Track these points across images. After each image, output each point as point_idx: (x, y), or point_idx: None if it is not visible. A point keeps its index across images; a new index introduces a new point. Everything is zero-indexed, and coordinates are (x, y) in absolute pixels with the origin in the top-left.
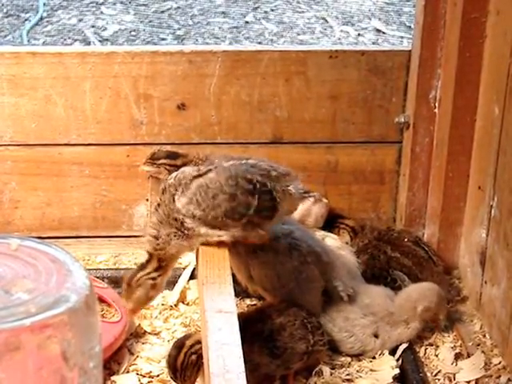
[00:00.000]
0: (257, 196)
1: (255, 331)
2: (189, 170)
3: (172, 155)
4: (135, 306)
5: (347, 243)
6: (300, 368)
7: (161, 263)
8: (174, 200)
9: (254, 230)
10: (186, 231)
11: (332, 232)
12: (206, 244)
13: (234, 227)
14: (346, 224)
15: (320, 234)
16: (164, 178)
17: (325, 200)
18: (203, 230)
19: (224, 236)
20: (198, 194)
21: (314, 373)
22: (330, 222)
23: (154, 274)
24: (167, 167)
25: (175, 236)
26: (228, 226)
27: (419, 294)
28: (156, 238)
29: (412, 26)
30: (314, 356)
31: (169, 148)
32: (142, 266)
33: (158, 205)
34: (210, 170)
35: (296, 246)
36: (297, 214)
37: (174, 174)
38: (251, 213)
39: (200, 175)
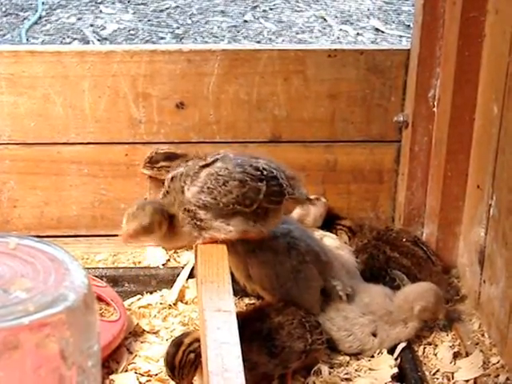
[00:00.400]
0: (265, 181)
1: (253, 330)
2: (194, 162)
3: (171, 156)
4: (134, 232)
5: (346, 243)
6: (298, 367)
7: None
8: (183, 191)
9: (257, 222)
10: (198, 222)
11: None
12: (205, 243)
13: (244, 215)
14: (343, 224)
15: (318, 233)
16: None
17: (324, 199)
18: (215, 223)
19: (233, 231)
20: (209, 182)
21: (312, 372)
22: (328, 223)
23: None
24: (167, 169)
25: (188, 223)
26: (238, 215)
27: (417, 294)
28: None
29: (411, 25)
30: (313, 355)
31: (166, 148)
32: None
33: (167, 192)
34: (216, 160)
35: (295, 245)
36: (295, 214)
37: (184, 164)
38: (261, 197)
39: (207, 165)
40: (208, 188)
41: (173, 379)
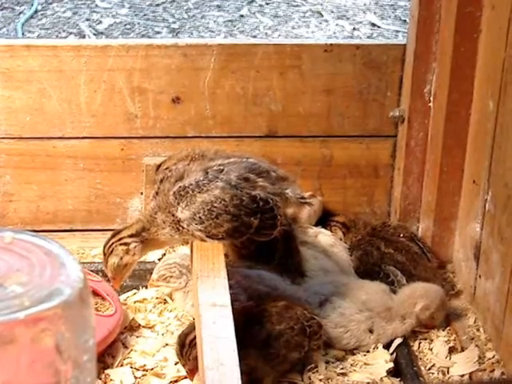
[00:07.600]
0: (259, 214)
1: (251, 335)
2: (194, 176)
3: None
4: (112, 274)
5: (340, 239)
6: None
7: (142, 233)
8: (175, 204)
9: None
10: (180, 228)
11: None
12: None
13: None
14: (337, 221)
15: (313, 230)
16: (162, 169)
17: (319, 197)
18: (198, 233)
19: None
20: (202, 213)
21: (308, 367)
22: (322, 220)
23: (128, 240)
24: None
25: (170, 226)
26: (226, 240)
27: (425, 291)
28: (153, 217)
29: (407, 20)
30: (307, 359)
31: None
32: (116, 232)
33: (157, 193)
34: (216, 187)
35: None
36: (289, 211)
37: (174, 167)
38: (252, 231)
39: (207, 190)
40: (200, 218)
41: (180, 359)
